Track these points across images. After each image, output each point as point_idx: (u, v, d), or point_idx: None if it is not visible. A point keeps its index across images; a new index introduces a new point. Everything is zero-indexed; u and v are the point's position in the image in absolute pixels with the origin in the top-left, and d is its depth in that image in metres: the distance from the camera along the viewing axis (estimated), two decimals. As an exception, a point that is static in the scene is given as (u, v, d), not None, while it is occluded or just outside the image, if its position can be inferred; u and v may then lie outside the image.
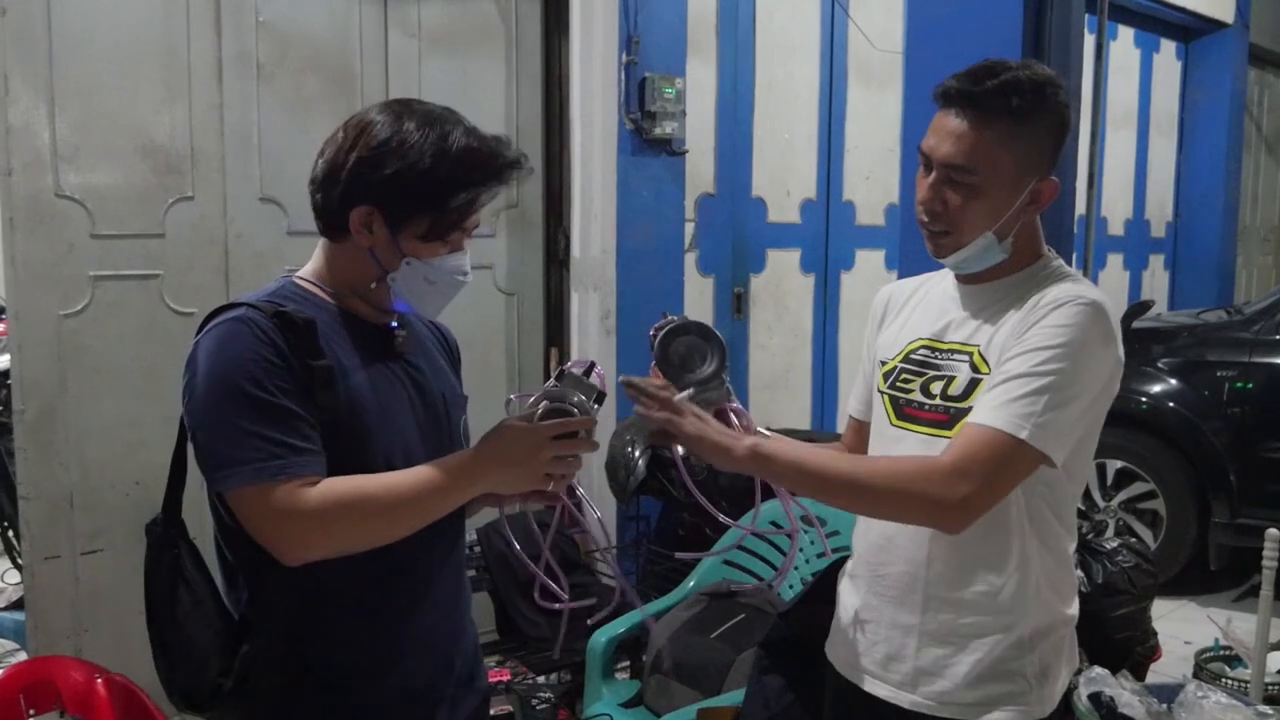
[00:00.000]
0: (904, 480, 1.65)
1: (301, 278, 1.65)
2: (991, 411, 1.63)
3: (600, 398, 1.62)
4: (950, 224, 1.73)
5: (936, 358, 1.80)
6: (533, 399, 1.62)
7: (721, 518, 1.83)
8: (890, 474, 1.67)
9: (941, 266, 1.86)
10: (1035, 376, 1.62)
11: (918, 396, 1.80)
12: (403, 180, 1.54)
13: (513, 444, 1.57)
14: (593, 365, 1.65)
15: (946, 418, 1.74)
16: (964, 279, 1.83)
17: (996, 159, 1.68)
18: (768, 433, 1.91)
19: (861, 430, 2.01)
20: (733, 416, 1.78)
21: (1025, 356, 1.64)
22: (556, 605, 1.72)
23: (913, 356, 1.84)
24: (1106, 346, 1.68)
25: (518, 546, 1.76)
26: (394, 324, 1.68)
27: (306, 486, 1.47)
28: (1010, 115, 1.67)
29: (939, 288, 1.89)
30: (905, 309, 1.93)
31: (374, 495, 1.51)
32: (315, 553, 1.49)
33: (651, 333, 1.79)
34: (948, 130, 1.70)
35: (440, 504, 1.55)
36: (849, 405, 2.06)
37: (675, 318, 1.82)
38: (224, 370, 1.48)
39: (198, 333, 1.55)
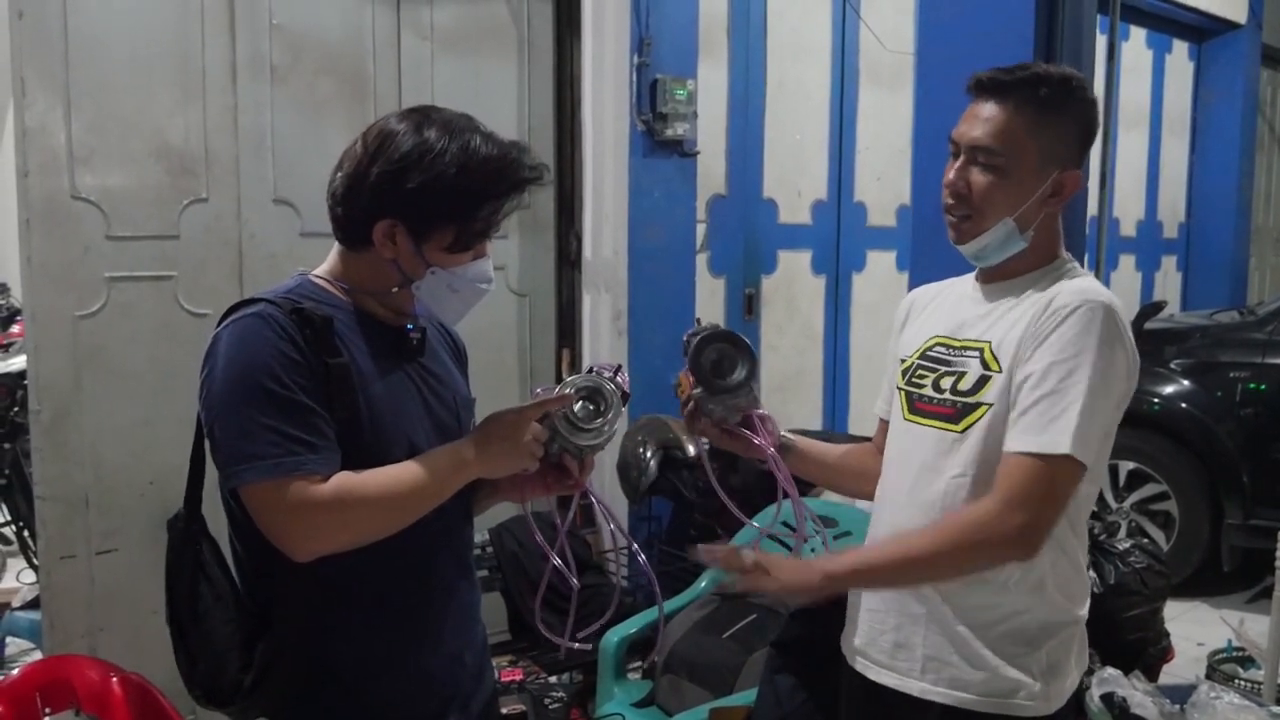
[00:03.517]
0: (966, 537, 1.67)
1: (318, 276, 1.66)
2: (1031, 437, 1.65)
3: (624, 398, 1.64)
4: (973, 207, 1.78)
5: (950, 354, 1.83)
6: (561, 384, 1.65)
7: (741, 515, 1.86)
8: (951, 538, 1.69)
9: (954, 268, 1.89)
10: (1062, 392, 1.65)
11: (929, 391, 1.83)
12: (428, 193, 1.54)
13: (497, 423, 1.59)
14: (619, 368, 1.67)
15: (952, 411, 1.77)
16: (982, 278, 1.86)
17: (1022, 143, 1.74)
18: (791, 436, 1.94)
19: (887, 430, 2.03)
20: (758, 422, 1.85)
21: (1047, 372, 1.66)
22: (574, 582, 1.71)
23: (928, 354, 1.87)
24: (1122, 347, 1.70)
25: (539, 535, 1.75)
26: (410, 326, 1.68)
27: (319, 483, 1.48)
28: (1038, 103, 1.74)
29: (959, 289, 1.93)
30: (926, 309, 1.96)
31: (380, 489, 1.51)
32: (325, 548, 1.50)
33: (685, 338, 1.84)
34: (978, 115, 1.77)
35: (439, 491, 1.56)
36: (878, 408, 2.07)
37: (708, 325, 1.86)
38: (243, 365, 1.49)
39: (217, 327, 1.56)
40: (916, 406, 1.84)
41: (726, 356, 1.84)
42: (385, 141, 1.56)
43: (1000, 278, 1.83)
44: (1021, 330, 1.73)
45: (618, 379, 1.65)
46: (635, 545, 1.88)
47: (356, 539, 1.52)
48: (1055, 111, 1.75)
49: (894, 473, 1.88)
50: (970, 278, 1.90)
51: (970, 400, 1.75)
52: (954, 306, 1.89)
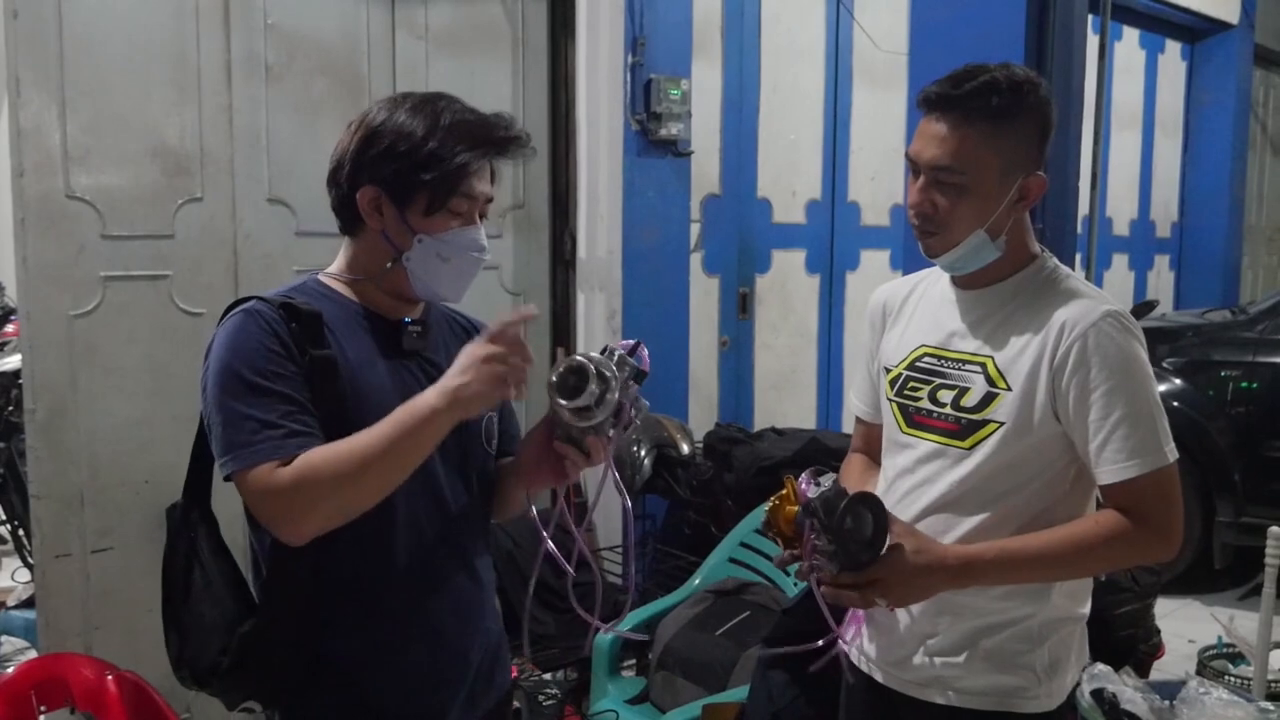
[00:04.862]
0: (1120, 556, 1.77)
1: (327, 274, 1.70)
2: (1134, 461, 1.68)
3: (640, 376, 1.58)
4: (940, 225, 1.75)
5: (944, 366, 1.82)
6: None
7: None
8: (1102, 554, 1.74)
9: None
10: (1134, 411, 1.68)
11: (926, 404, 1.82)
12: (396, 153, 1.59)
13: (459, 360, 1.53)
14: (638, 344, 1.60)
15: (957, 427, 1.77)
16: (960, 282, 1.85)
17: (981, 158, 1.71)
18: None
19: (871, 433, 2.03)
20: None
21: (1110, 400, 1.68)
22: (570, 569, 1.66)
23: (918, 364, 1.86)
24: (1141, 341, 1.74)
25: (542, 528, 1.66)
26: (408, 320, 1.70)
27: (282, 465, 1.48)
28: (991, 115, 1.70)
29: (935, 290, 1.91)
30: (903, 314, 1.94)
31: (341, 456, 1.49)
32: (309, 526, 1.50)
33: (817, 498, 1.64)
34: (932, 134, 1.73)
35: (412, 443, 1.50)
36: (854, 407, 2.08)
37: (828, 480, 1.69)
38: (227, 359, 1.53)
39: (215, 328, 1.60)
40: (915, 420, 1.84)
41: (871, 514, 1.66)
42: (364, 119, 1.64)
43: (981, 284, 1.82)
44: (1035, 353, 1.73)
45: (633, 357, 1.57)
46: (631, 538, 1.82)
47: (338, 509, 1.51)
48: (1010, 119, 1.71)
49: (893, 484, 1.87)
50: (945, 277, 1.88)
51: (977, 417, 1.75)
52: (937, 313, 1.87)
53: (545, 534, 1.65)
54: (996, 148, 1.71)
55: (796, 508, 1.66)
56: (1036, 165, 1.77)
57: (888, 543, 1.64)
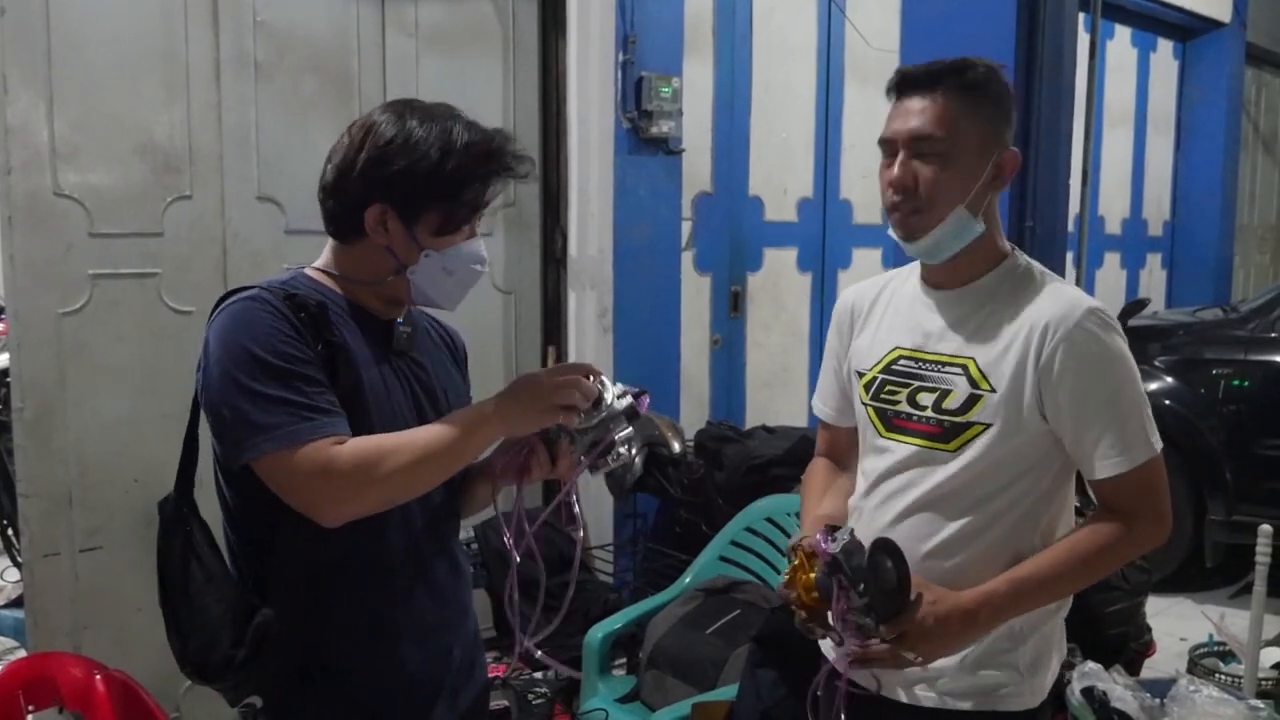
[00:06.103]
0: (1122, 557, 1.78)
1: (315, 268, 1.69)
2: (1125, 457, 1.71)
3: (633, 415, 1.65)
4: (924, 199, 1.73)
5: (922, 369, 1.81)
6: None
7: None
8: (1105, 561, 1.76)
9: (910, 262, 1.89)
10: (1123, 407, 1.71)
11: (905, 407, 1.81)
12: (412, 176, 1.58)
13: (524, 381, 1.63)
14: (643, 392, 1.67)
15: (940, 430, 1.76)
16: (932, 283, 1.84)
17: (962, 124, 1.72)
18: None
19: (835, 437, 2.03)
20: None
21: (1098, 398, 1.71)
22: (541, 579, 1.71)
23: (894, 367, 1.84)
24: (1121, 334, 1.75)
25: (508, 529, 1.73)
26: (399, 321, 1.70)
27: (337, 445, 1.49)
28: (968, 86, 1.73)
29: (905, 290, 1.89)
30: (873, 316, 1.93)
31: (398, 445, 1.53)
32: (353, 509, 1.52)
33: (840, 551, 1.62)
34: (909, 109, 1.75)
35: (463, 446, 1.57)
36: (819, 410, 2.06)
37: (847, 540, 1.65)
38: (240, 344, 1.51)
39: (209, 320, 1.58)
40: (894, 424, 1.82)
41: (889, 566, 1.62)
42: (369, 131, 1.61)
43: (953, 284, 1.81)
44: (1019, 353, 1.72)
45: (638, 401, 1.66)
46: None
47: (384, 497, 1.54)
48: (985, 92, 1.74)
49: (873, 487, 1.86)
50: (913, 278, 1.87)
51: (960, 420, 1.74)
52: (909, 315, 1.86)
53: (511, 536, 1.69)
54: (975, 119, 1.73)
55: (814, 574, 1.67)
56: (1007, 142, 1.78)
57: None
